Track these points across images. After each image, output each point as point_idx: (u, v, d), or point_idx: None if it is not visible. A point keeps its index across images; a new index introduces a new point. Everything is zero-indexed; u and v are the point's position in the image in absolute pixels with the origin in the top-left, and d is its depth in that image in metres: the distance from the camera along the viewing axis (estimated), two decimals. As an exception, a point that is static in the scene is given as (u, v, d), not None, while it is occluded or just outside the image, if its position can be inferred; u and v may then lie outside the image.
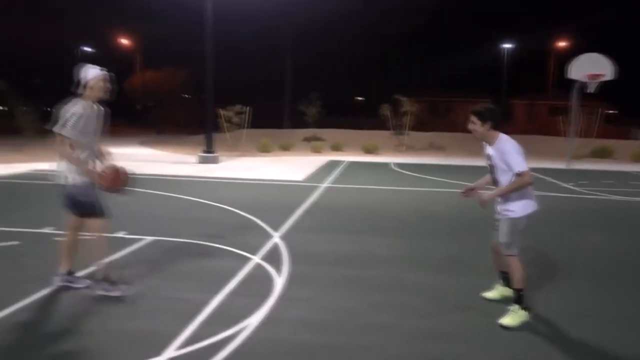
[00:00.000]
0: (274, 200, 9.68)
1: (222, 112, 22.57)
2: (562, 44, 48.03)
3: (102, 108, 4.37)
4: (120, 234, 6.43)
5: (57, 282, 4.43)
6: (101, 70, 4.20)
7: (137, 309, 4.07)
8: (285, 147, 24.09)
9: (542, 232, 6.95)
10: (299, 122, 33.26)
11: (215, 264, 5.35)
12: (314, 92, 31.65)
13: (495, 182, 4.14)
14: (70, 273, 4.48)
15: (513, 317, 3.93)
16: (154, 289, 4.53)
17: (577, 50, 18.13)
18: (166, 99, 51.30)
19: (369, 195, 10.82)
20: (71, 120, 4.03)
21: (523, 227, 4.05)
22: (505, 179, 3.99)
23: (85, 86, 4.13)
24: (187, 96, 53.53)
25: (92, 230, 4.29)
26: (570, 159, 19.33)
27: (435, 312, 4.19)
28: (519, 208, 4.01)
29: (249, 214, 7.95)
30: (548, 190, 11.97)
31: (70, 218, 4.38)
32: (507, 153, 3.89)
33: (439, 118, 45.50)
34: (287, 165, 16.52)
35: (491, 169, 4.13)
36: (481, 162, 4.31)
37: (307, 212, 8.42)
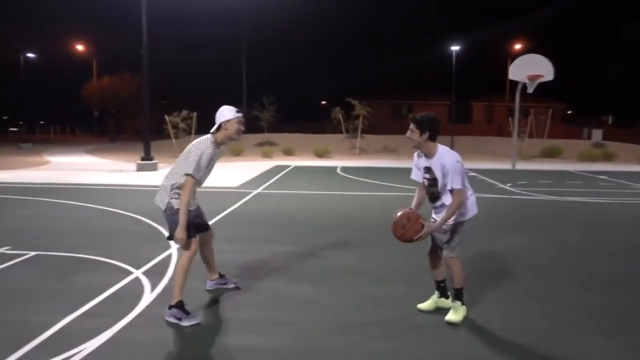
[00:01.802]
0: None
1: (167, 118, 22.06)
2: (518, 46, 48.80)
3: (224, 147, 4.32)
4: (2, 250, 5.98)
5: (210, 285, 4.70)
6: (237, 112, 4.15)
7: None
8: (236, 153, 23.70)
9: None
10: (254, 127, 32.93)
11: (87, 280, 4.95)
12: (268, 96, 31.33)
13: (434, 197, 3.98)
14: (221, 276, 4.75)
15: (457, 314, 3.97)
16: (-4, 311, 4.12)
17: (534, 51, 18.25)
18: (125, 105, 50.21)
19: (299, 201, 10.54)
20: (201, 160, 3.99)
21: (467, 229, 3.97)
22: (448, 196, 3.87)
23: (219, 127, 4.08)
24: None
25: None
26: (516, 159, 19.48)
27: (311, 330, 3.90)
28: (464, 211, 3.91)
29: (159, 223, 7.55)
30: (483, 192, 11.91)
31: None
32: (451, 171, 3.77)
33: (401, 120, 45.72)
34: (228, 172, 16.13)
35: (431, 183, 3.94)
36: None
37: (221, 221, 8.08)
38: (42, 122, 66.47)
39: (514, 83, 18.75)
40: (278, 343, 3.61)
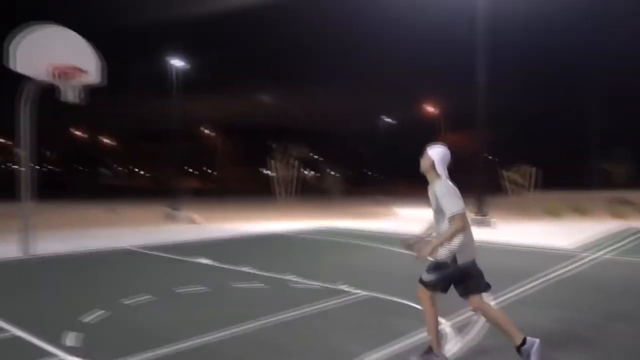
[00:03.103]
0: (510, 266, 8.93)
1: (505, 173, 21.89)
2: None
3: (438, 187, 4.01)
4: (341, 286, 7.00)
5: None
6: (435, 146, 4.17)
7: (290, 351, 4.48)
8: (581, 211, 21.54)
9: None
10: (605, 183, 29.30)
11: (393, 322, 5.38)
12: (622, 146, 27.61)
13: None
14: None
15: None
16: (318, 335, 4.90)
17: None
18: (468, 161, 52.16)
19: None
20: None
21: None
22: None
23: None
24: (490, 157, 53.34)
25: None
26: None
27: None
28: None
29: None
30: None
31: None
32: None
33: None
34: (564, 230, 14.82)
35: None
36: None
37: (543, 282, 7.51)
38: (398, 176, 74.82)
39: None
40: None
